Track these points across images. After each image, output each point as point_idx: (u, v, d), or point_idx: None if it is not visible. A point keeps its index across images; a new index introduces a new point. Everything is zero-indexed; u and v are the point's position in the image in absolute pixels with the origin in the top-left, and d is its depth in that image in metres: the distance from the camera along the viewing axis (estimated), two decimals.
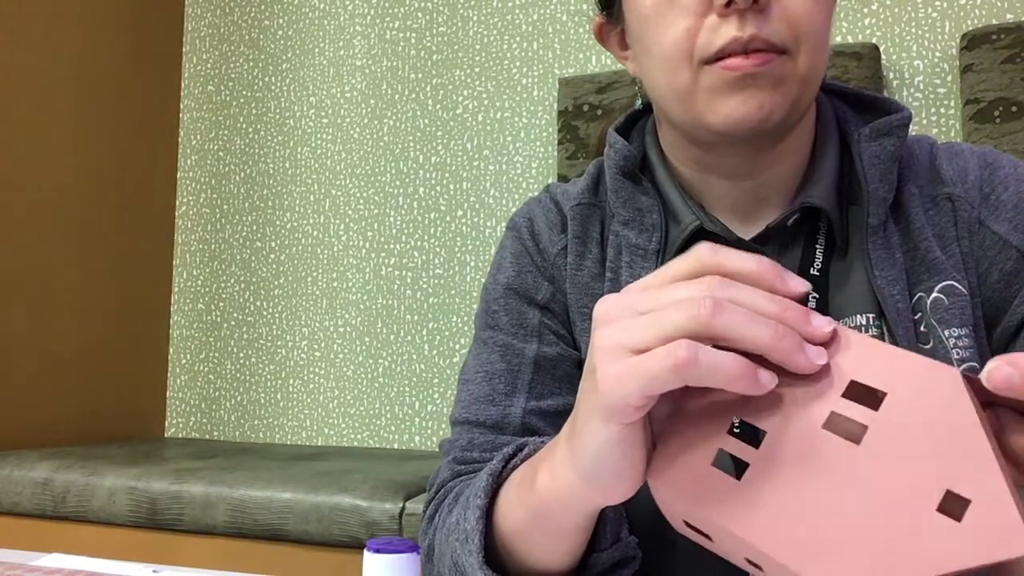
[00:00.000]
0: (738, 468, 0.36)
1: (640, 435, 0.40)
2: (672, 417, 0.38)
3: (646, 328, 0.37)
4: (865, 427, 0.33)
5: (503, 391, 0.67)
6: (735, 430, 0.37)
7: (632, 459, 0.40)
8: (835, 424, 0.34)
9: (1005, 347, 0.62)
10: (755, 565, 0.35)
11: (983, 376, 0.32)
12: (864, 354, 0.35)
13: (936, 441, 0.31)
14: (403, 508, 1.40)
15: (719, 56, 0.56)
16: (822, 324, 0.36)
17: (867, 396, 0.34)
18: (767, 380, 0.35)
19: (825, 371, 0.35)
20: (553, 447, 0.48)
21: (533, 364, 0.67)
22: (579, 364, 0.68)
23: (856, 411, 0.34)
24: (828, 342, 0.36)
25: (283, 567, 1.46)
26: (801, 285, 0.37)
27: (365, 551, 0.52)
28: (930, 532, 0.30)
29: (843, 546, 0.31)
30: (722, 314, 0.35)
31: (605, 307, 0.40)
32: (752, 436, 0.36)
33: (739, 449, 0.35)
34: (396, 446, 2.13)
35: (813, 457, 0.33)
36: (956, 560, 0.29)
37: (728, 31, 0.55)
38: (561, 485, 0.45)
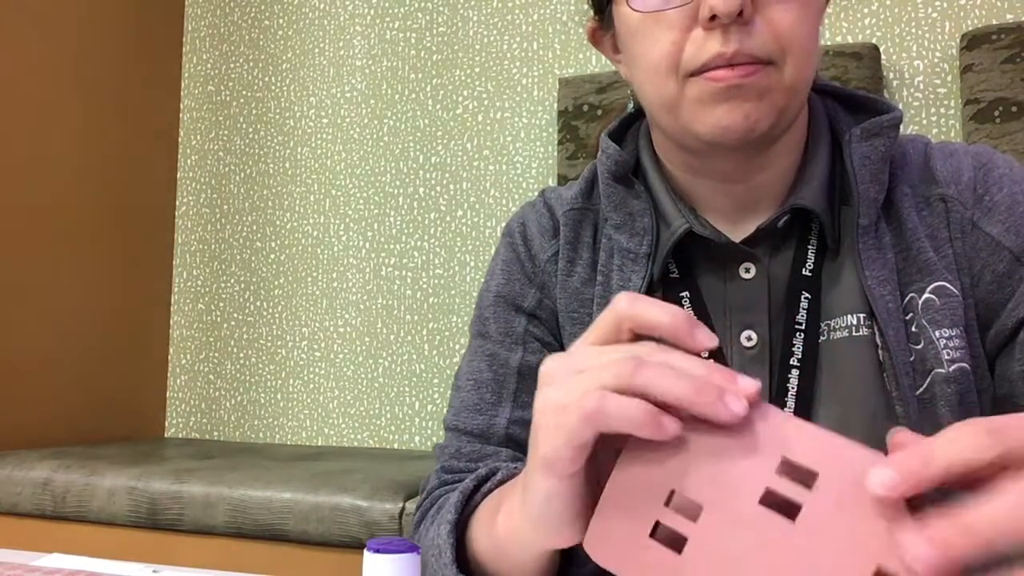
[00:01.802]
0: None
1: (582, 489, 0.42)
2: (609, 487, 0.39)
3: (575, 386, 0.39)
4: (799, 505, 0.34)
5: (490, 400, 0.68)
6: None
7: (576, 510, 0.42)
8: (770, 500, 0.35)
9: (999, 351, 0.62)
10: None
11: (872, 485, 0.33)
12: (795, 434, 0.36)
13: (866, 520, 0.33)
14: (403, 508, 1.40)
15: (704, 69, 0.56)
16: (747, 384, 0.37)
17: (799, 474, 0.35)
18: (669, 426, 0.37)
19: (758, 448, 0.36)
20: (515, 485, 0.50)
21: (517, 373, 0.69)
22: None
23: (790, 489, 0.35)
24: (759, 418, 0.37)
25: (283, 567, 1.46)
26: (709, 340, 0.39)
27: (365, 551, 0.52)
28: None
29: None
30: (644, 371, 0.37)
31: (547, 368, 0.42)
32: None
33: (676, 523, 0.36)
34: (396, 446, 2.13)
35: (750, 533, 0.35)
36: None
37: (713, 46, 0.56)
38: (516, 527, 0.48)
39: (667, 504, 0.37)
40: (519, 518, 0.47)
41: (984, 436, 0.32)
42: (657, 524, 0.36)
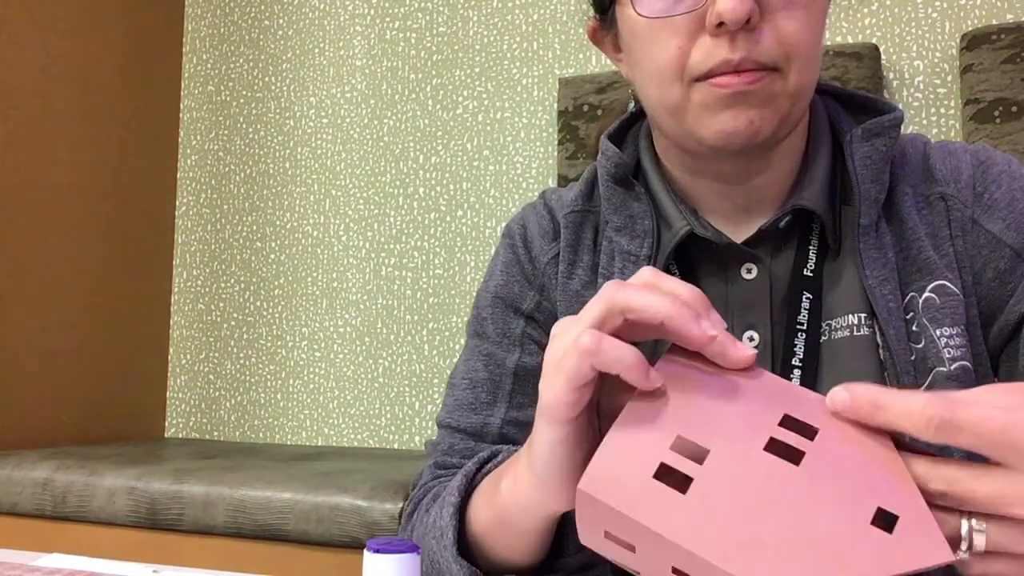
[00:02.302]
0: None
1: (583, 440, 0.43)
2: (613, 430, 0.39)
3: (573, 329, 0.42)
4: (803, 452, 0.36)
5: (485, 400, 0.69)
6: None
7: (576, 462, 0.43)
8: (773, 449, 0.37)
9: (1003, 346, 0.62)
10: (682, 574, 0.36)
11: (827, 400, 0.38)
12: (796, 395, 0.39)
13: (865, 468, 0.36)
14: (403, 508, 1.40)
15: (710, 74, 0.57)
16: (744, 348, 0.40)
17: (800, 428, 0.38)
18: (654, 376, 0.40)
19: (763, 404, 0.39)
20: (519, 455, 0.51)
21: (513, 374, 0.69)
22: None
23: (793, 438, 0.37)
24: (763, 381, 0.40)
25: (283, 567, 1.46)
26: (721, 322, 0.41)
27: (365, 551, 0.52)
28: (866, 542, 0.33)
29: (786, 552, 0.33)
30: (625, 290, 0.40)
31: (557, 327, 0.44)
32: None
33: (682, 464, 0.37)
34: (396, 446, 2.13)
35: (756, 474, 0.36)
36: (889, 567, 0.33)
37: (719, 53, 0.56)
38: (519, 488, 0.49)
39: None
40: (525, 477, 0.47)
41: (933, 427, 0.34)
42: (660, 468, 0.37)
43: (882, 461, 0.36)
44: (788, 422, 0.38)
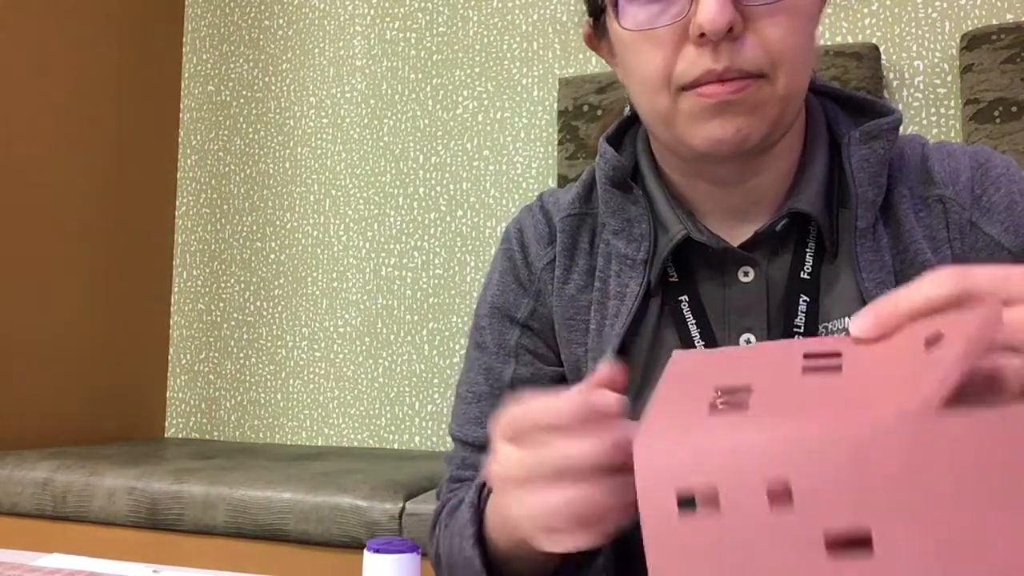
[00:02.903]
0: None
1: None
2: (652, 400, 0.39)
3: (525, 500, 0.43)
4: (839, 366, 0.37)
5: (488, 413, 0.70)
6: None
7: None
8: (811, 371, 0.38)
9: None
10: (777, 487, 0.33)
11: (852, 328, 0.38)
12: (804, 342, 0.40)
13: (902, 344, 0.36)
14: (403, 508, 1.40)
15: (696, 84, 0.57)
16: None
17: (824, 359, 0.38)
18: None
19: (783, 355, 0.39)
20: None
21: (510, 387, 0.71)
22: (559, 379, 0.71)
23: (823, 362, 0.38)
24: (771, 344, 0.41)
25: (283, 567, 1.46)
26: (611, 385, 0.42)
27: (365, 551, 0.52)
28: (925, 367, 0.34)
29: (869, 400, 0.33)
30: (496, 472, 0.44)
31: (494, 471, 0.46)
32: None
33: (732, 398, 0.37)
34: (396, 446, 2.13)
35: (806, 387, 0.36)
36: (954, 368, 0.32)
37: (703, 62, 0.56)
38: (523, 547, 0.50)
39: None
40: (524, 544, 0.47)
41: (947, 277, 0.35)
42: (712, 408, 0.37)
43: (915, 335, 0.36)
44: (812, 358, 0.39)
